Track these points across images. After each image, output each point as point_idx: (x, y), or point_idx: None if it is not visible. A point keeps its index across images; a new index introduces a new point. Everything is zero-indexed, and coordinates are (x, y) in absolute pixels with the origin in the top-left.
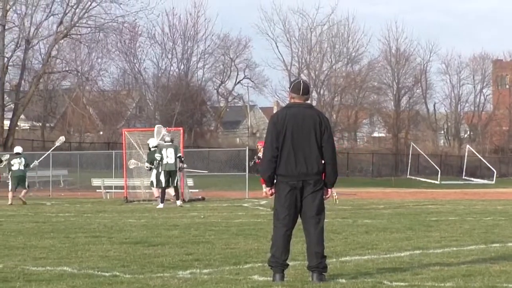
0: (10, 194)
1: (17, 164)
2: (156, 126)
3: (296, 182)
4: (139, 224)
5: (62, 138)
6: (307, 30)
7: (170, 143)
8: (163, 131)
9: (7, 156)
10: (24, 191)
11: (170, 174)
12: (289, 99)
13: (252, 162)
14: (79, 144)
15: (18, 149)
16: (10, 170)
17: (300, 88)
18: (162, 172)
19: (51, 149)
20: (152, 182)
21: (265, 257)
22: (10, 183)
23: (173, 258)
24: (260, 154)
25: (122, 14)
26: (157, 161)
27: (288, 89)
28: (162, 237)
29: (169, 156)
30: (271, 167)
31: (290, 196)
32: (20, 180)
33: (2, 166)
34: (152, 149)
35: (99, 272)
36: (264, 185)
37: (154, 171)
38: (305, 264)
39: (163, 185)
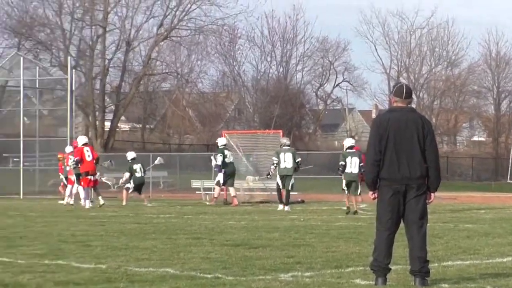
0: (125, 194)
1: (139, 170)
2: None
3: (399, 186)
4: (239, 226)
5: (161, 159)
6: (406, 33)
7: (288, 147)
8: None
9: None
10: (143, 195)
11: (285, 178)
12: (391, 103)
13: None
14: (178, 145)
15: (132, 154)
16: (132, 174)
17: (403, 92)
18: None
19: (149, 167)
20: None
21: (366, 261)
22: (130, 186)
23: (275, 260)
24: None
25: (221, 16)
26: (274, 164)
27: (390, 93)
28: (263, 239)
29: (286, 160)
30: (374, 171)
31: (393, 200)
32: (141, 185)
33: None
34: (221, 147)
35: (201, 274)
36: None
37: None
38: (407, 268)
39: (281, 187)
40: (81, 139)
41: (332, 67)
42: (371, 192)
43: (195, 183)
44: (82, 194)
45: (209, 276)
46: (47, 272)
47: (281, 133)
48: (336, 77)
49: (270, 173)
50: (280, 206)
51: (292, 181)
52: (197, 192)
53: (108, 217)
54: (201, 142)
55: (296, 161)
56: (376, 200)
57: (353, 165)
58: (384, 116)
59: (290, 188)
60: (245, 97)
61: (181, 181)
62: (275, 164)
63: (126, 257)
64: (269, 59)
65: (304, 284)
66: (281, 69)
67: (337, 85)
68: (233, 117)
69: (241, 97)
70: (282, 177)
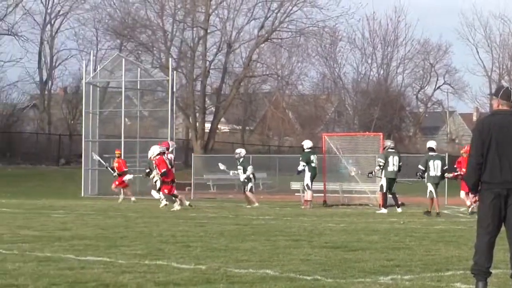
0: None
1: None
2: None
3: (500, 190)
4: (338, 229)
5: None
6: (508, 36)
7: (394, 150)
8: (389, 143)
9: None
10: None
11: (392, 182)
12: (495, 106)
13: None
14: (278, 147)
15: (241, 151)
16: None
17: (510, 95)
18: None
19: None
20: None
21: (466, 265)
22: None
23: (374, 263)
24: None
25: (322, 18)
26: (380, 167)
27: (493, 95)
28: (362, 242)
29: (395, 164)
30: (476, 174)
31: (494, 204)
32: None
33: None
34: (307, 150)
35: (300, 276)
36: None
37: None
38: (508, 272)
39: (384, 190)
40: (156, 149)
41: (433, 70)
42: (472, 195)
43: (295, 185)
44: (156, 196)
45: (308, 278)
46: (148, 272)
47: (381, 136)
48: (437, 79)
49: (373, 173)
50: (383, 210)
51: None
52: (296, 194)
53: (208, 219)
54: (301, 144)
55: (400, 163)
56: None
57: (436, 168)
58: (486, 119)
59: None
60: (345, 99)
61: (280, 182)
62: (381, 166)
63: (226, 258)
64: (369, 61)
65: (404, 287)
66: (382, 72)
67: (437, 88)
68: (333, 119)
69: (341, 99)
70: (389, 180)
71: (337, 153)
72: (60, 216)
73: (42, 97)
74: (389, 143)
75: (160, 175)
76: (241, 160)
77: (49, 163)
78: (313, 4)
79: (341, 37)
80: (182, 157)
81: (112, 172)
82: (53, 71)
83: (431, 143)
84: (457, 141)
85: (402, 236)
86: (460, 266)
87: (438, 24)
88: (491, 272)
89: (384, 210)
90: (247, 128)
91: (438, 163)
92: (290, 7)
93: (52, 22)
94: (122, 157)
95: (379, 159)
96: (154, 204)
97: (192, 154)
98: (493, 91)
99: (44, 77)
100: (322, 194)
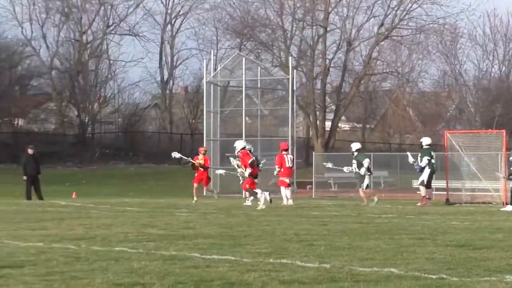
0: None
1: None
2: None
3: None
4: (462, 227)
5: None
6: None
7: None
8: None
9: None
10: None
11: None
12: None
13: None
14: (399, 145)
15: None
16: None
17: None
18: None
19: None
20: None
21: None
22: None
23: (500, 262)
24: None
25: (443, 15)
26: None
27: None
28: (487, 240)
29: None
30: None
31: None
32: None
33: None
34: (425, 147)
35: (425, 274)
36: None
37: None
38: None
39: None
40: (241, 143)
41: None
42: None
43: (416, 183)
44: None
45: (433, 276)
46: (272, 271)
47: (504, 133)
48: None
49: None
50: (508, 207)
51: None
52: (418, 192)
53: (330, 217)
54: (419, 141)
55: None
56: None
57: None
58: None
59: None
60: (467, 96)
61: (401, 181)
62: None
63: (350, 256)
64: (491, 58)
65: None
66: (504, 68)
67: None
68: (454, 116)
69: (462, 96)
70: None
71: (460, 150)
72: (183, 215)
73: (164, 96)
74: None
75: (250, 165)
76: (355, 154)
77: (171, 162)
78: (433, 1)
79: (461, 34)
80: (303, 155)
81: (200, 167)
82: (174, 71)
83: None
84: None
85: None
86: None
87: None
88: None
89: (509, 208)
90: (368, 126)
91: None
92: (410, 4)
93: (173, 22)
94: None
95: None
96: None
97: (313, 152)
98: None
99: (165, 77)
100: (445, 192)
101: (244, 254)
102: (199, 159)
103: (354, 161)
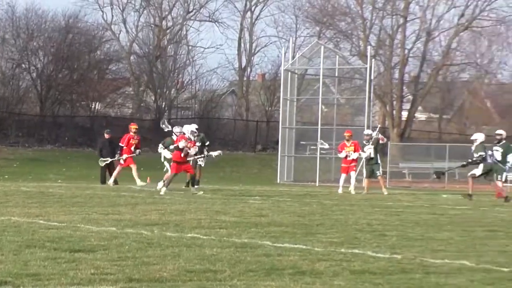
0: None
1: None
2: None
3: None
4: None
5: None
6: None
7: None
8: None
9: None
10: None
11: None
12: None
13: None
14: None
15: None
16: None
17: None
18: None
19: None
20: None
21: None
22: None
23: None
24: None
25: None
26: None
27: None
28: None
29: None
30: None
31: None
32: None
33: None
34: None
35: (497, 267)
36: None
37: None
38: None
39: None
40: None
41: None
42: None
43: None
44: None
45: (505, 269)
46: (344, 260)
47: None
48: None
49: None
50: None
51: None
52: (491, 184)
53: (403, 207)
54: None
55: None
56: None
57: None
58: None
59: None
60: None
61: None
62: None
63: (422, 248)
64: None
65: None
66: None
67: None
68: None
69: None
70: None
71: None
72: (256, 202)
73: (241, 83)
74: None
75: (173, 148)
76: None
77: (246, 149)
78: None
79: None
80: None
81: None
82: (252, 58)
83: None
84: None
85: None
86: None
87: None
88: None
89: None
90: (444, 116)
91: None
92: None
93: (252, 9)
94: None
95: None
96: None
97: (389, 142)
98: None
99: (243, 64)
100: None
101: (316, 243)
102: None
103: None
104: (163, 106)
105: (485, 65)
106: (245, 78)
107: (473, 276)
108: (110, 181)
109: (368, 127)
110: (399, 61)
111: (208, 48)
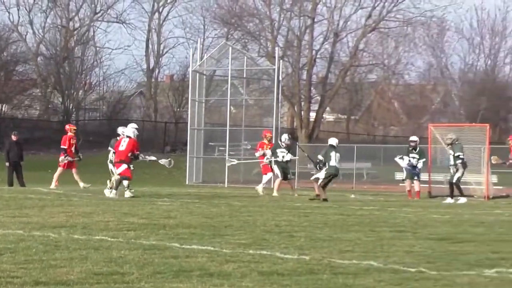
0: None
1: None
2: None
3: None
4: (443, 220)
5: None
6: None
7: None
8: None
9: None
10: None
11: None
12: None
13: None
14: (383, 137)
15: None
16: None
17: None
18: None
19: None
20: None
21: None
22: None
23: (479, 256)
24: None
25: (430, 8)
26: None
27: None
28: (467, 234)
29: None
30: None
31: None
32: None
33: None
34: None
35: (404, 268)
36: None
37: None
38: None
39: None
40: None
41: None
42: None
43: (399, 175)
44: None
45: (412, 270)
46: (252, 262)
47: (488, 127)
48: None
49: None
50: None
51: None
52: (400, 184)
53: (312, 208)
54: (406, 134)
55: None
56: None
57: None
58: None
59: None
60: (452, 89)
61: (384, 172)
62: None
63: (330, 248)
64: (477, 51)
65: (509, 281)
66: (489, 62)
67: None
68: (439, 109)
69: (447, 89)
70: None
71: (442, 143)
72: (165, 204)
73: (149, 84)
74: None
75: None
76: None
77: (154, 151)
78: None
79: (448, 27)
80: None
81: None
82: (160, 59)
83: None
84: None
85: (508, 228)
86: None
87: None
88: None
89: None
90: (352, 117)
91: None
92: None
93: (160, 10)
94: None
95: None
96: (256, 193)
97: (297, 143)
98: None
99: (151, 65)
100: (427, 185)
101: (224, 244)
102: None
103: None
104: (70, 107)
105: (392, 66)
106: (153, 79)
107: (381, 277)
108: (52, 185)
109: (276, 128)
110: (307, 62)
111: (116, 49)
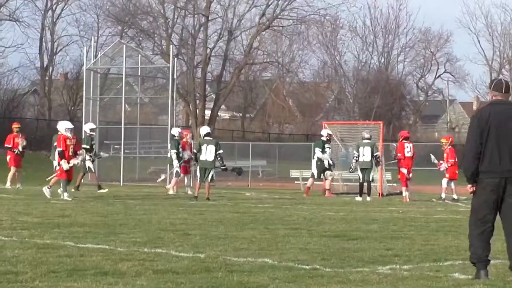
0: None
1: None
2: None
3: (498, 180)
4: (338, 217)
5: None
6: (510, 25)
7: (369, 141)
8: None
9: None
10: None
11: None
12: (490, 97)
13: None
14: (278, 135)
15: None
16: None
17: (503, 86)
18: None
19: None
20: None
21: (465, 255)
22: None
23: (373, 252)
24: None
25: (324, 6)
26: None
27: (489, 87)
28: (361, 231)
29: (365, 154)
30: (474, 164)
31: (492, 194)
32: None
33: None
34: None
35: (299, 265)
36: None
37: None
38: (507, 263)
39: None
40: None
41: (434, 58)
42: (469, 186)
43: (294, 173)
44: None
45: (307, 267)
46: (147, 260)
47: (381, 124)
48: (438, 68)
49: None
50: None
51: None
52: (295, 182)
53: (207, 206)
54: (301, 131)
55: (374, 155)
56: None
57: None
58: (485, 109)
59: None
60: (346, 87)
61: (279, 170)
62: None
63: (225, 246)
64: (370, 49)
65: (402, 277)
66: (383, 60)
67: (438, 76)
68: (333, 107)
69: (341, 87)
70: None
71: (337, 141)
72: (59, 203)
73: (43, 83)
74: (366, 134)
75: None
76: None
77: (49, 149)
78: None
79: (342, 25)
80: None
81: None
82: (54, 57)
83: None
84: (457, 129)
85: (401, 225)
86: (459, 256)
87: (440, 13)
88: (489, 260)
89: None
90: (247, 115)
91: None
92: None
93: (54, 8)
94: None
95: (354, 151)
96: (153, 191)
97: (192, 141)
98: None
99: (45, 63)
100: (321, 183)
101: (119, 243)
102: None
103: None
104: None
105: (286, 64)
106: (47, 78)
107: (275, 274)
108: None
109: (172, 126)
110: (201, 60)
111: (8, 47)
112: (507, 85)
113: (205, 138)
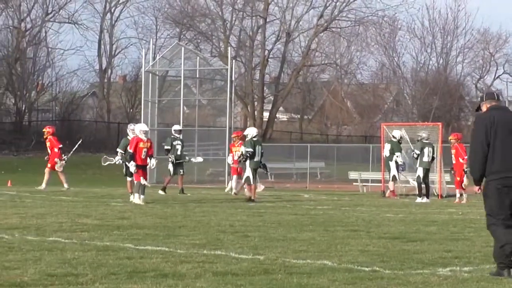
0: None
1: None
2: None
3: (505, 180)
4: (397, 219)
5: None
6: None
7: (428, 141)
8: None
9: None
10: None
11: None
12: (484, 108)
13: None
14: (336, 136)
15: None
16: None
17: (495, 95)
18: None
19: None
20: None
21: None
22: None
23: (432, 254)
24: None
25: (382, 8)
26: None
27: (482, 100)
28: (421, 233)
29: (429, 155)
30: (483, 165)
31: (503, 193)
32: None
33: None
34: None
35: (358, 267)
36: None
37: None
38: None
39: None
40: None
41: (492, 59)
42: (477, 187)
43: (352, 175)
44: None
45: (366, 269)
46: (206, 262)
47: (440, 125)
48: (497, 69)
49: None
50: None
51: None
52: (354, 183)
53: (266, 208)
54: (359, 133)
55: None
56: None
57: None
58: (490, 112)
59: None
60: (404, 88)
61: (338, 172)
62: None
63: (284, 248)
64: (429, 50)
65: (463, 279)
66: (441, 61)
67: (497, 77)
68: (391, 108)
69: (399, 88)
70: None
71: (408, 142)
72: (118, 205)
73: (102, 85)
74: (424, 134)
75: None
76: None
77: (108, 151)
78: None
79: (400, 26)
80: None
81: None
82: (113, 60)
83: None
84: None
85: (461, 227)
86: None
87: (498, 13)
88: None
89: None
90: (305, 117)
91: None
92: None
93: (112, 11)
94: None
95: (415, 150)
96: (211, 193)
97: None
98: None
99: (104, 66)
100: (380, 184)
101: (178, 245)
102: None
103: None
104: (23, 108)
105: (344, 65)
106: (106, 80)
107: (335, 276)
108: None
109: (230, 128)
110: (259, 62)
111: (68, 50)
112: (498, 93)
113: (259, 139)
